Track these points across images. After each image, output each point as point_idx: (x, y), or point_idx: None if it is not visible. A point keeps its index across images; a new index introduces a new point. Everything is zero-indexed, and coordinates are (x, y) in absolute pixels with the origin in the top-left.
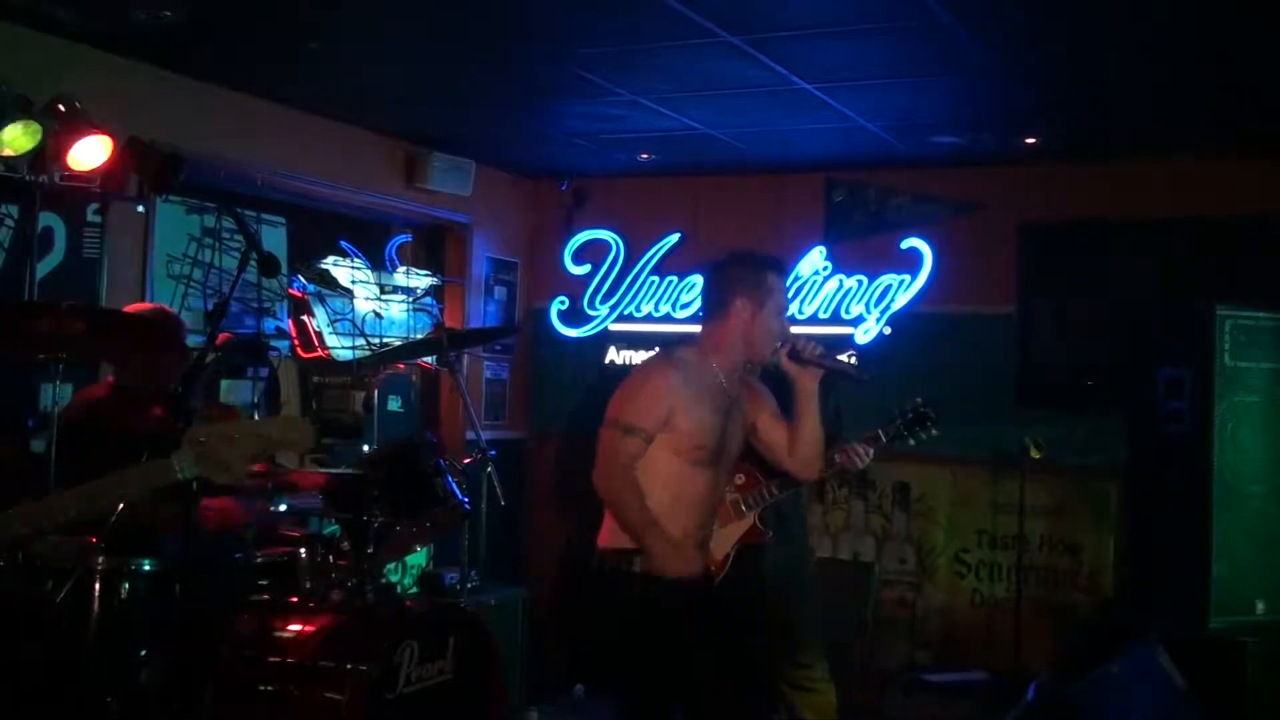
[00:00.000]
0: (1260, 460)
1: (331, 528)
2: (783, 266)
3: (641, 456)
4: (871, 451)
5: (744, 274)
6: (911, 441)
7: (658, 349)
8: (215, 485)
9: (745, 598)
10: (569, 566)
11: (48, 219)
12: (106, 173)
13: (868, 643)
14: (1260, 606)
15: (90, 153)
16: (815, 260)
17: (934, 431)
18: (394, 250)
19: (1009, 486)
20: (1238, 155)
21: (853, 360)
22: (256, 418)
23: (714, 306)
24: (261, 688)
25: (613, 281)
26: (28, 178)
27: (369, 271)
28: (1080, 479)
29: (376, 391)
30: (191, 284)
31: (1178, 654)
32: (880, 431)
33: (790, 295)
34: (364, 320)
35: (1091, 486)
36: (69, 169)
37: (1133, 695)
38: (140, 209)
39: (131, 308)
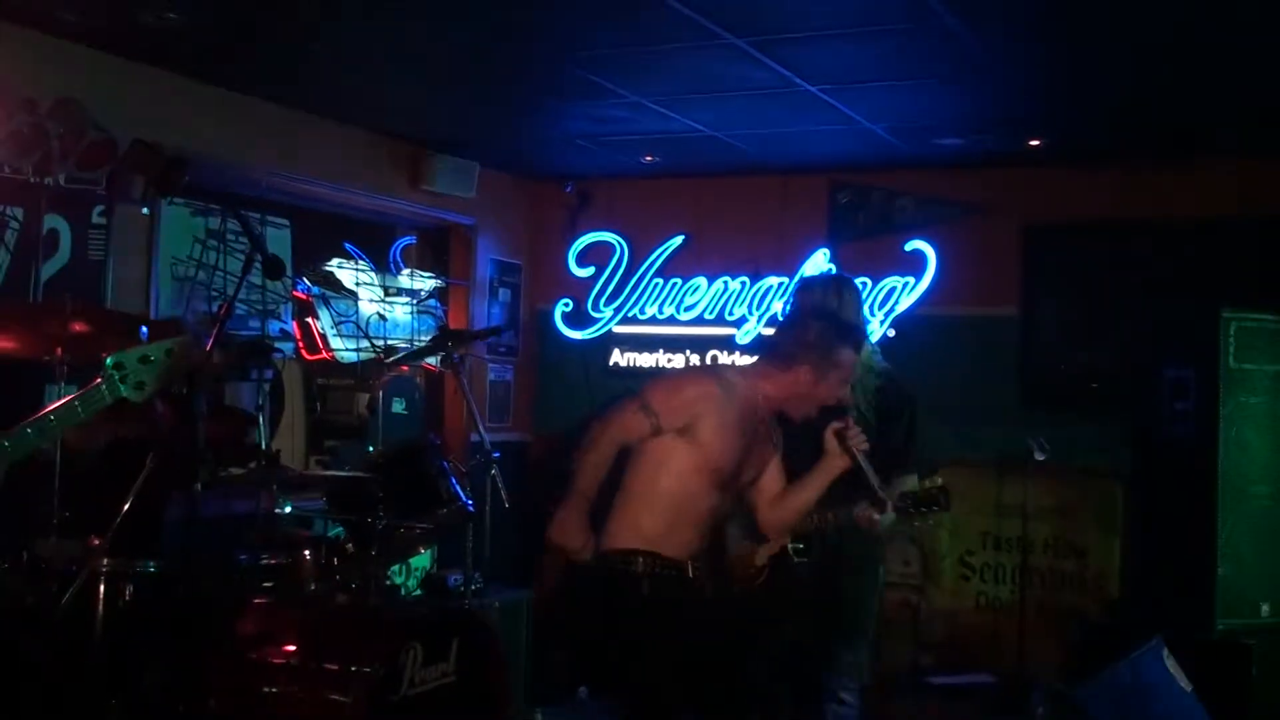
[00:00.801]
0: (1265, 462)
1: (336, 529)
2: (861, 340)
3: (642, 439)
4: (878, 517)
5: (818, 343)
6: (916, 523)
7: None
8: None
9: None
10: (573, 568)
11: (53, 221)
12: (111, 175)
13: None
14: (1265, 609)
15: (95, 155)
16: (819, 262)
17: (943, 515)
18: (398, 252)
19: (1014, 488)
20: (1242, 157)
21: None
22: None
23: (778, 357)
24: (265, 689)
25: (617, 284)
26: (33, 179)
27: (373, 274)
28: (1085, 481)
29: (381, 393)
30: (196, 286)
31: (1183, 656)
32: (890, 503)
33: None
34: (368, 322)
35: (1096, 488)
36: (74, 171)
37: (1138, 697)
38: (145, 211)
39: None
